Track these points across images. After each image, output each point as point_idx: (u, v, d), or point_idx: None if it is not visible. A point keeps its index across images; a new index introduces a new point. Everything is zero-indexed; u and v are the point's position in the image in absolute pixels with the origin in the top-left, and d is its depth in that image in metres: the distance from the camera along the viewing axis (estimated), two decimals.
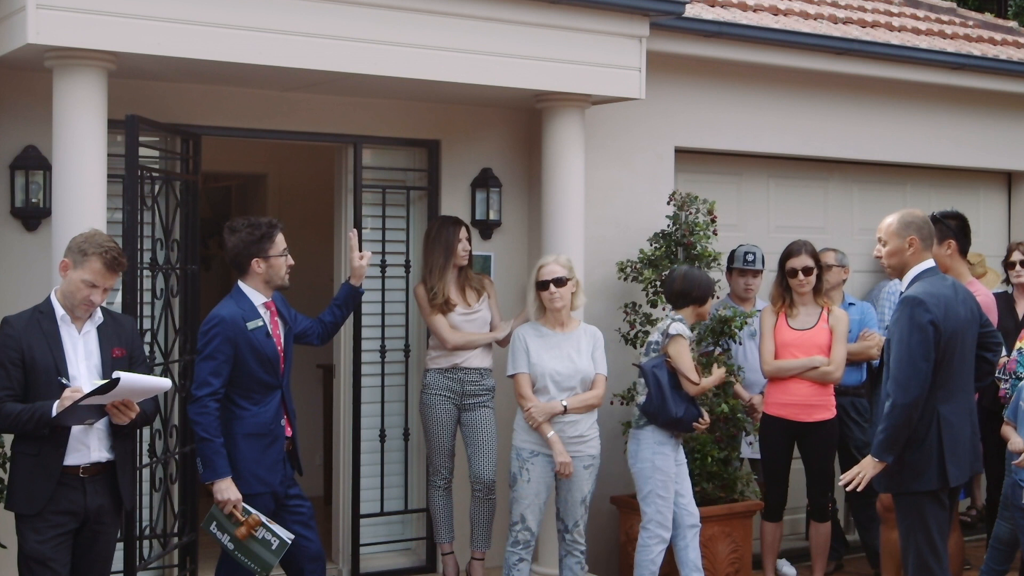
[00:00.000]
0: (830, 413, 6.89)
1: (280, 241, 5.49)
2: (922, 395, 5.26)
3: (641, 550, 6.36)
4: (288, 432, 5.53)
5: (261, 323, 5.41)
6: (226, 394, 5.37)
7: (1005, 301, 7.58)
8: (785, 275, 6.95)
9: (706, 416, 6.41)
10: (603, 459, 6.49)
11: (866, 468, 5.38)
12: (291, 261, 5.56)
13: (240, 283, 5.50)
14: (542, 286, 6.28)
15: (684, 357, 6.30)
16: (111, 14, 5.38)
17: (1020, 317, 7.47)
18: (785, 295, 6.97)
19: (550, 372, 6.24)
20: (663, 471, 6.33)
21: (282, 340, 5.52)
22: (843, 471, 6.84)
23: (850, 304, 7.53)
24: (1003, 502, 6.45)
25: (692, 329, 7.26)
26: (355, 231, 6.05)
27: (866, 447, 6.37)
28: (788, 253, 6.97)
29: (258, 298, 5.47)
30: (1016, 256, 7.58)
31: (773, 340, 6.93)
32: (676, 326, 6.35)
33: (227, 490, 5.27)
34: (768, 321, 6.99)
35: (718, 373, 6.54)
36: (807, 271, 6.88)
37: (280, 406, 5.48)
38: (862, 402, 7.43)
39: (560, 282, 6.27)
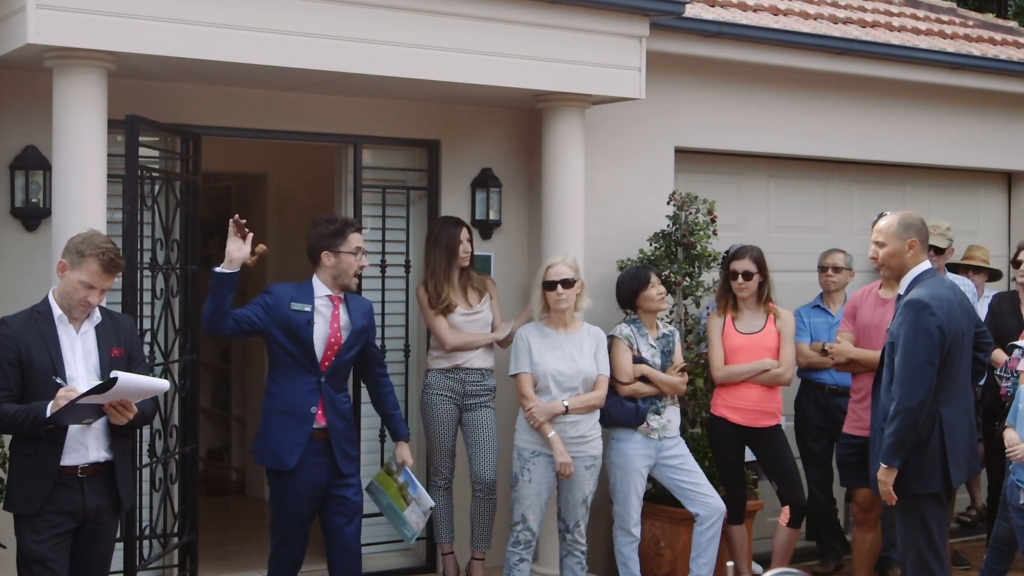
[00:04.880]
0: (776, 420, 6.83)
1: (354, 240, 5.74)
2: (928, 399, 5.27)
3: (615, 546, 6.58)
4: (322, 422, 5.65)
5: (308, 309, 5.64)
6: (269, 371, 5.75)
7: (1011, 301, 7.58)
8: (728, 277, 6.89)
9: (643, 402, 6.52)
10: (604, 460, 6.49)
11: (883, 477, 5.39)
12: (364, 263, 5.80)
13: (313, 275, 5.77)
14: (549, 286, 6.28)
15: (615, 358, 6.48)
16: (111, 14, 5.38)
17: None
18: (729, 297, 6.91)
19: (552, 372, 6.25)
20: (619, 467, 6.50)
21: (336, 335, 5.69)
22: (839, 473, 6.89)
23: None
24: (1003, 502, 6.45)
25: (691, 328, 7.28)
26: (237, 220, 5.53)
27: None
28: (734, 255, 6.88)
29: (322, 290, 5.72)
30: (1023, 256, 7.57)
31: (722, 346, 6.82)
32: (617, 328, 6.59)
33: None
34: (715, 327, 6.88)
35: (666, 377, 6.56)
36: (747, 275, 6.80)
37: (314, 393, 5.65)
38: None
39: (568, 283, 6.28)
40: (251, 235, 5.49)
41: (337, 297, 5.75)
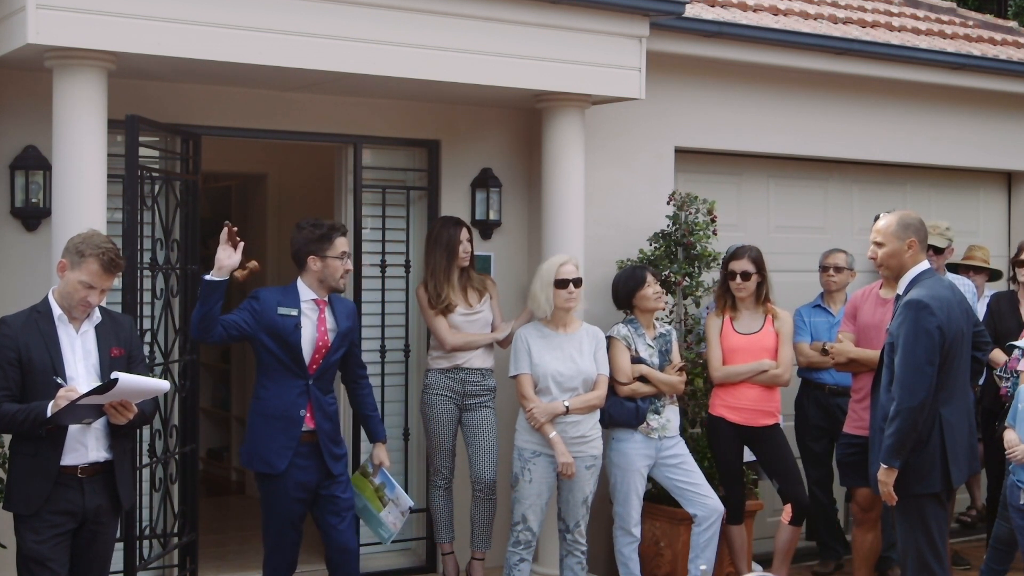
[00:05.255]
0: (774, 419, 6.82)
1: (339, 244, 5.74)
2: (928, 399, 5.27)
3: (615, 546, 6.57)
4: (310, 425, 5.67)
5: (295, 313, 5.65)
6: (256, 375, 5.75)
7: (1009, 300, 7.58)
8: (726, 277, 6.89)
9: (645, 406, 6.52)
10: (604, 460, 6.49)
11: (883, 478, 5.38)
12: (349, 266, 5.81)
13: (298, 278, 5.77)
14: (561, 284, 6.27)
15: (613, 359, 6.47)
16: (111, 14, 5.38)
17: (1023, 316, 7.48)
18: (727, 297, 6.90)
19: (552, 373, 6.25)
20: (619, 467, 6.50)
21: (324, 339, 5.70)
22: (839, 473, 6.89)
23: None
24: (1003, 502, 6.45)
25: (689, 327, 7.28)
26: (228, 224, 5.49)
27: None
28: (732, 256, 6.88)
29: (307, 293, 5.74)
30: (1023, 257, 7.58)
31: (720, 346, 6.82)
32: (614, 329, 6.57)
33: None
34: (713, 327, 6.87)
35: (665, 376, 6.55)
36: (745, 276, 6.79)
37: (303, 396, 5.66)
38: None
39: (579, 282, 6.29)
40: (242, 244, 5.44)
41: (322, 300, 5.77)
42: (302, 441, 5.66)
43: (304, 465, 5.66)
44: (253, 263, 5.77)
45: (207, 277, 5.41)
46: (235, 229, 5.43)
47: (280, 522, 5.71)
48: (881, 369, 5.55)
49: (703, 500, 6.52)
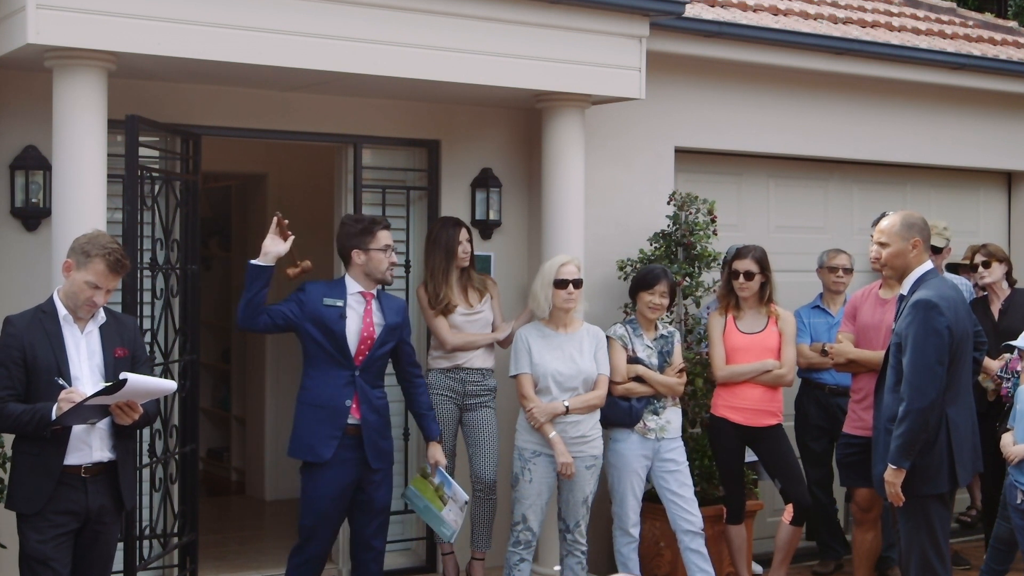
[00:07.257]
0: (776, 419, 6.81)
1: (382, 238, 5.86)
2: (938, 399, 5.27)
3: (614, 546, 6.55)
4: (356, 416, 5.73)
5: (340, 304, 5.77)
6: (303, 367, 5.84)
7: (980, 304, 7.58)
8: (730, 277, 6.87)
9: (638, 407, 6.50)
10: (603, 459, 6.49)
11: (891, 479, 5.38)
12: (394, 259, 5.90)
13: (345, 273, 5.93)
14: (561, 284, 6.27)
15: (611, 358, 6.45)
16: (111, 14, 5.38)
17: (996, 317, 7.50)
18: (730, 296, 6.89)
19: (552, 373, 6.24)
20: (616, 467, 6.48)
21: (368, 330, 5.78)
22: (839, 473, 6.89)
23: None
24: (1003, 502, 6.45)
25: (692, 326, 7.27)
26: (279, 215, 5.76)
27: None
28: (736, 255, 6.88)
29: (354, 287, 5.86)
30: (977, 259, 7.65)
31: (723, 345, 6.80)
32: (612, 328, 6.59)
33: None
34: (716, 326, 6.86)
35: (662, 377, 6.52)
36: (748, 275, 6.78)
37: (349, 387, 5.74)
38: None
39: (579, 283, 6.28)
40: (292, 237, 5.63)
41: (369, 293, 5.86)
42: (348, 433, 5.73)
43: (347, 458, 5.73)
44: (307, 262, 5.88)
45: (251, 261, 5.56)
46: (286, 221, 5.62)
47: (319, 513, 5.76)
48: (885, 370, 5.55)
49: (684, 515, 6.47)
